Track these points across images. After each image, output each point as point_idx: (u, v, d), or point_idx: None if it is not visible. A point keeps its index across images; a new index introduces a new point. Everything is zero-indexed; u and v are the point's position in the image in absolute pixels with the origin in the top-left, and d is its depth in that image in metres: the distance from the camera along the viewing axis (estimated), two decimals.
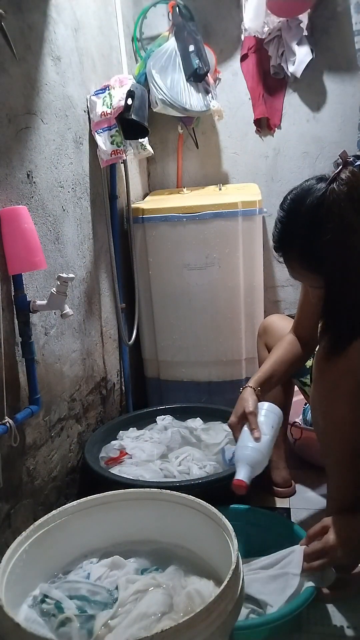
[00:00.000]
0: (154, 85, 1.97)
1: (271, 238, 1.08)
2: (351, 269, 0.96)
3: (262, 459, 1.18)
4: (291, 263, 1.06)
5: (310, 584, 1.01)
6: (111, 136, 1.61)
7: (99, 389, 1.72)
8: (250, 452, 1.17)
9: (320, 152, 2.22)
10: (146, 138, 1.81)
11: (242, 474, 1.13)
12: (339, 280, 0.98)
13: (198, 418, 1.75)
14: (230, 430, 1.55)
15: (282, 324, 1.57)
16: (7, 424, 1.09)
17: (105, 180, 1.74)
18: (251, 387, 1.29)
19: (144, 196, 2.24)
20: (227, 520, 0.94)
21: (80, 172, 1.57)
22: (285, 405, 1.58)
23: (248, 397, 1.26)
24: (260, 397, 1.29)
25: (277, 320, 1.60)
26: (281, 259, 1.08)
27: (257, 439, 1.18)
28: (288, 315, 1.70)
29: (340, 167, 0.97)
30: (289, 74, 2.09)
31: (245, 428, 1.22)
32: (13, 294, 1.18)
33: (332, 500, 1.18)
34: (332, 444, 1.12)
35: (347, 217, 0.93)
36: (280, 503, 1.52)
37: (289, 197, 1.04)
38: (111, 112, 1.58)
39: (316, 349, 1.15)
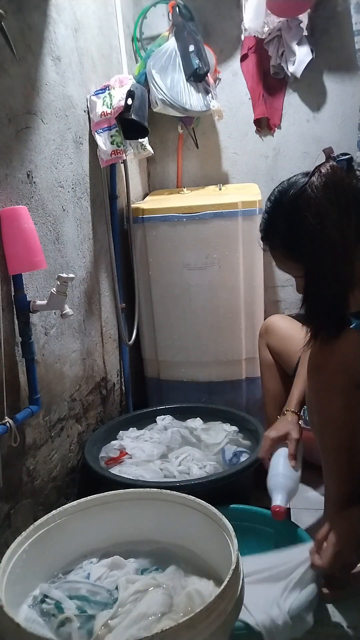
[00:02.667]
0: (154, 85, 1.97)
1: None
2: (327, 258, 0.97)
3: (296, 487, 1.19)
4: (275, 252, 1.08)
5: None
6: (111, 136, 1.61)
7: (99, 389, 1.72)
8: (288, 481, 1.17)
9: (320, 152, 2.20)
10: (146, 138, 1.81)
11: (280, 499, 1.13)
12: (316, 270, 0.99)
13: (198, 418, 1.75)
14: (230, 429, 1.56)
15: (284, 324, 1.57)
16: (7, 424, 1.09)
17: (105, 180, 1.74)
18: (295, 412, 1.31)
19: (144, 196, 2.24)
20: (227, 520, 0.94)
21: (80, 172, 1.57)
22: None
23: (294, 422, 1.28)
24: (302, 417, 1.32)
25: (278, 320, 1.60)
26: (267, 249, 1.10)
27: (294, 468, 1.20)
28: (289, 315, 1.70)
29: (322, 162, 1.00)
30: (289, 74, 2.09)
31: (282, 455, 1.23)
32: (13, 294, 1.18)
33: (330, 498, 1.19)
34: (327, 440, 1.13)
35: (322, 208, 0.95)
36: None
37: (276, 190, 1.07)
38: (111, 112, 1.58)
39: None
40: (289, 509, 1.13)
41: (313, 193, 0.96)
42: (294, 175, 1.05)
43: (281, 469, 1.19)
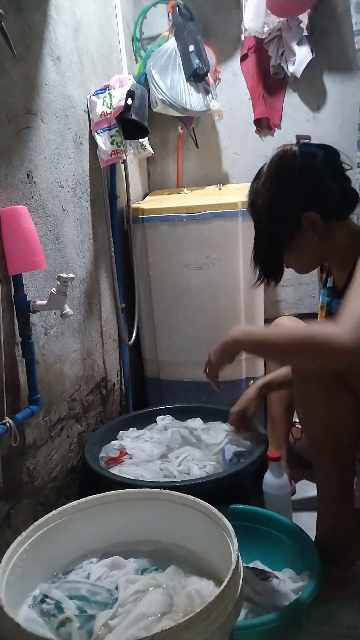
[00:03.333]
0: (154, 85, 1.97)
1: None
2: (263, 217, 1.18)
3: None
4: (250, 209, 1.26)
5: None
6: (111, 136, 1.61)
7: (99, 389, 1.72)
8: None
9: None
10: (146, 138, 1.81)
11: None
12: (256, 224, 1.21)
13: (198, 418, 1.75)
14: (230, 429, 1.58)
15: (291, 324, 1.60)
16: (7, 424, 1.09)
17: (105, 180, 1.74)
18: (258, 387, 1.48)
19: (144, 196, 2.24)
20: (227, 520, 0.94)
21: (80, 172, 1.57)
22: (290, 406, 1.59)
23: (253, 400, 1.47)
24: (259, 398, 1.46)
25: (286, 321, 1.64)
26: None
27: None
28: (292, 316, 1.72)
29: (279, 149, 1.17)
30: (289, 74, 2.09)
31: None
32: (13, 294, 1.18)
33: (320, 491, 1.20)
34: (313, 434, 1.14)
35: (264, 178, 1.18)
36: None
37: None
38: (111, 112, 1.58)
39: None
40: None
41: (264, 167, 1.20)
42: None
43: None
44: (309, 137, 1.20)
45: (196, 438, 1.66)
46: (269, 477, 1.33)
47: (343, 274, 1.18)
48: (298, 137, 1.21)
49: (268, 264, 1.21)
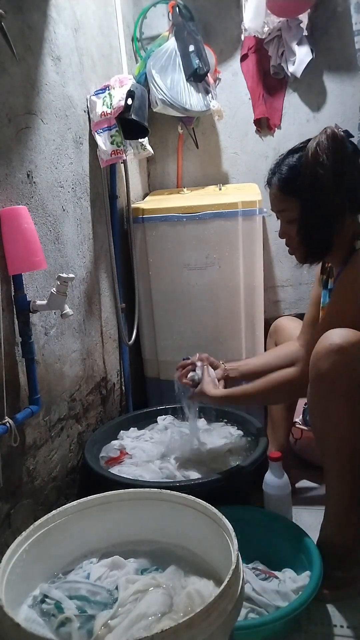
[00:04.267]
0: (154, 85, 1.97)
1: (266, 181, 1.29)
2: (318, 195, 1.15)
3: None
4: (275, 192, 1.25)
5: None
6: (111, 136, 1.61)
7: (99, 389, 1.72)
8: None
9: None
10: (146, 138, 1.81)
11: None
12: (310, 204, 1.17)
13: (202, 419, 1.75)
14: (235, 433, 1.63)
15: (292, 325, 1.61)
16: (7, 424, 1.09)
17: (105, 180, 1.74)
18: (224, 364, 1.54)
19: (144, 196, 2.24)
20: (227, 520, 0.94)
21: (80, 172, 1.57)
22: (291, 405, 1.59)
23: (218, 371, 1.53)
24: (228, 381, 1.51)
25: (287, 322, 1.65)
26: (269, 190, 1.28)
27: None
28: (292, 316, 1.72)
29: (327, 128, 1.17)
30: (289, 74, 2.09)
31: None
32: (13, 294, 1.18)
33: (330, 499, 1.19)
34: (330, 445, 1.12)
35: (319, 154, 1.14)
36: None
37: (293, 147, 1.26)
38: (111, 112, 1.58)
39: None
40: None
41: (314, 143, 1.15)
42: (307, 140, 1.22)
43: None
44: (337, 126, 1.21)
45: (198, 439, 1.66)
46: (269, 477, 1.33)
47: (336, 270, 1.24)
48: (333, 125, 1.20)
49: (319, 240, 1.20)
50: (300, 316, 1.71)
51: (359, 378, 1.05)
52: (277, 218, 1.30)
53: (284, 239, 1.29)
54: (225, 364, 1.55)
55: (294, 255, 1.29)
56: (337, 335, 1.08)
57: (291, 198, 1.20)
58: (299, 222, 1.20)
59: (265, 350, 1.71)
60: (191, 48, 1.97)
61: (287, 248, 1.30)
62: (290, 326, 1.60)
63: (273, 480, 1.32)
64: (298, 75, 2.07)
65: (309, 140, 1.19)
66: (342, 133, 1.16)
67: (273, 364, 1.45)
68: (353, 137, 1.21)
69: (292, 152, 1.23)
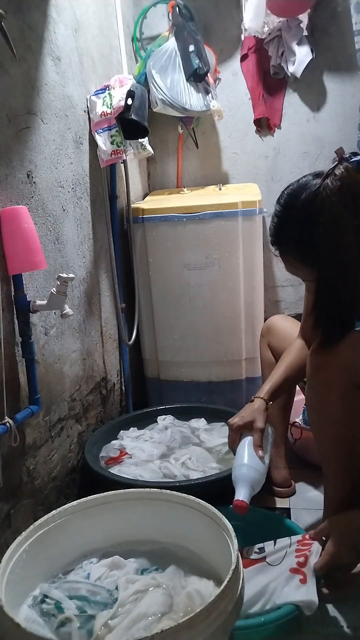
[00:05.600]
0: (154, 85, 1.97)
1: (268, 232, 1.11)
2: (342, 263, 0.98)
3: (262, 479, 1.15)
4: (287, 256, 1.09)
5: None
6: (111, 136, 1.61)
7: (99, 389, 1.72)
8: (252, 472, 1.13)
9: (320, 152, 2.22)
10: (146, 138, 1.81)
11: (243, 494, 1.09)
12: (330, 274, 1.00)
13: (202, 419, 1.75)
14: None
15: (286, 324, 1.57)
16: (7, 424, 1.09)
17: (105, 180, 1.74)
18: (263, 399, 1.26)
19: (144, 196, 2.24)
20: (227, 520, 0.94)
21: (80, 172, 1.57)
22: (286, 405, 1.59)
23: (260, 410, 1.23)
24: (270, 408, 1.27)
25: (280, 320, 1.60)
26: (277, 253, 1.10)
27: (261, 459, 1.16)
28: (290, 315, 1.70)
29: (335, 164, 0.99)
30: (289, 74, 2.09)
31: (246, 445, 1.18)
32: (13, 294, 1.18)
33: (329, 498, 1.19)
34: (327, 442, 1.13)
35: (337, 213, 0.96)
36: (280, 503, 1.52)
37: (285, 192, 1.07)
38: (111, 112, 1.58)
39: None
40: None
41: (328, 197, 0.95)
42: (303, 177, 1.04)
43: (246, 459, 1.15)
44: (343, 150, 1.02)
45: (197, 438, 1.66)
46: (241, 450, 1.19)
47: None
48: (339, 153, 1.01)
49: (341, 319, 1.02)
50: (298, 316, 1.70)
51: (355, 374, 1.05)
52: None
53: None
54: (254, 400, 1.29)
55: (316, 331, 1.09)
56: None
57: (310, 269, 1.03)
58: (317, 298, 1.02)
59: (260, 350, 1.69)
60: (191, 48, 1.97)
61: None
62: (284, 325, 1.57)
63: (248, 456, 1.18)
64: (298, 75, 2.07)
65: (317, 177, 0.99)
66: (350, 165, 0.97)
67: (292, 375, 1.34)
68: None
69: (303, 203, 1.00)
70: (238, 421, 1.22)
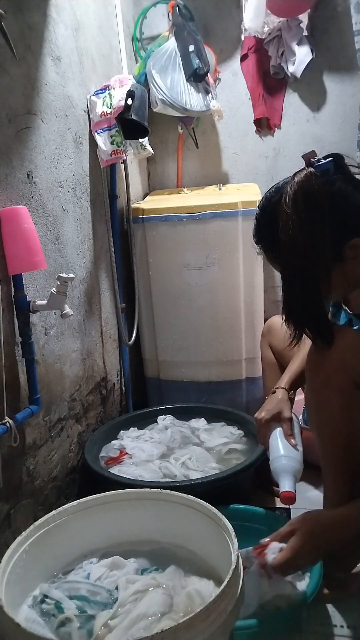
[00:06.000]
0: (154, 85, 1.97)
1: None
2: (297, 265, 1.00)
3: (301, 467, 1.16)
4: (265, 254, 1.12)
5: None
6: (111, 136, 1.61)
7: (99, 389, 1.72)
8: (291, 462, 1.14)
9: (320, 152, 2.19)
10: (146, 138, 1.81)
11: (289, 485, 1.10)
12: (288, 275, 1.03)
13: (202, 418, 1.75)
14: (236, 432, 1.54)
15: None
16: (7, 424, 1.09)
17: (105, 180, 1.74)
18: (285, 389, 1.28)
19: (144, 196, 2.24)
20: (227, 520, 0.94)
21: (80, 172, 1.57)
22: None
23: (284, 400, 1.25)
24: (292, 396, 1.29)
25: (281, 321, 1.60)
26: (259, 251, 1.14)
27: (295, 447, 1.17)
28: None
29: (300, 169, 1.01)
30: (289, 74, 2.09)
31: (278, 436, 1.19)
32: (13, 294, 1.18)
33: (328, 497, 1.19)
34: (325, 440, 1.13)
35: (291, 218, 0.97)
36: (280, 503, 1.51)
37: (264, 195, 1.10)
38: (111, 112, 1.58)
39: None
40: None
41: (285, 203, 0.98)
42: (284, 179, 1.06)
43: (282, 450, 1.16)
44: (314, 153, 1.03)
45: (197, 438, 1.66)
46: (273, 440, 1.21)
47: None
48: (305, 157, 1.02)
49: (312, 318, 1.03)
50: None
51: (352, 373, 1.05)
52: None
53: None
54: (277, 391, 1.31)
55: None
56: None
57: (276, 265, 1.09)
58: (282, 295, 1.06)
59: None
60: (191, 48, 1.97)
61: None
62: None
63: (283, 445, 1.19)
64: (298, 75, 2.07)
65: (293, 177, 1.01)
66: (313, 172, 0.98)
67: None
68: (343, 159, 1.04)
69: (266, 214, 1.06)
70: (265, 415, 1.24)
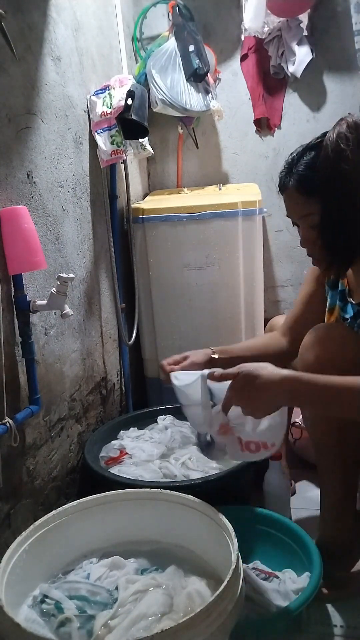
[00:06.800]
0: (154, 85, 1.97)
1: (277, 184, 1.17)
2: (344, 193, 1.02)
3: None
4: (291, 193, 1.11)
5: None
6: (111, 136, 1.61)
7: (99, 389, 1.72)
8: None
9: None
10: (146, 138, 1.81)
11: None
12: (333, 203, 1.04)
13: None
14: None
15: None
16: (7, 424, 1.09)
17: (105, 180, 1.74)
18: (213, 349, 1.29)
19: (144, 196, 2.24)
20: (227, 520, 0.94)
21: (80, 172, 1.57)
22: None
23: (201, 353, 1.27)
24: (212, 363, 1.26)
25: (282, 321, 1.61)
26: (282, 197, 1.14)
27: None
28: None
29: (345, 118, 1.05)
30: (289, 74, 2.09)
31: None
32: (13, 294, 1.18)
33: (325, 495, 1.19)
34: (320, 439, 1.13)
35: (341, 149, 1.01)
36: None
37: (302, 145, 1.14)
38: (111, 112, 1.58)
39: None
40: None
41: (334, 135, 1.03)
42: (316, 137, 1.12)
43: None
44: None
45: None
46: (269, 476, 1.33)
47: None
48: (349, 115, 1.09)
49: (345, 243, 1.06)
50: None
51: (344, 369, 1.05)
52: (294, 224, 1.16)
53: (306, 249, 1.15)
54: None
55: (318, 267, 1.16)
56: (321, 328, 1.10)
57: (311, 200, 1.07)
58: (321, 225, 1.06)
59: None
60: (191, 48, 1.97)
61: (311, 259, 1.15)
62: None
63: (274, 479, 1.32)
64: (298, 75, 2.07)
65: (325, 134, 1.08)
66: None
67: (262, 353, 1.34)
68: None
69: (307, 149, 1.11)
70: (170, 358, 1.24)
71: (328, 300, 1.28)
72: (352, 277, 1.20)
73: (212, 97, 2.05)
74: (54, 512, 1.03)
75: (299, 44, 2.05)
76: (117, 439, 1.65)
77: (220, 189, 2.10)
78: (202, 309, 1.94)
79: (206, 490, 1.28)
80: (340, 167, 1.01)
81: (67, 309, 1.21)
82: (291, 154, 1.14)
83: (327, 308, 1.30)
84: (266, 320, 1.94)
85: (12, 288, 1.18)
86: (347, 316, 1.21)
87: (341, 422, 1.08)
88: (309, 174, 1.06)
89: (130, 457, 1.53)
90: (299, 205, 1.10)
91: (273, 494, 1.33)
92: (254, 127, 2.24)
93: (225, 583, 0.80)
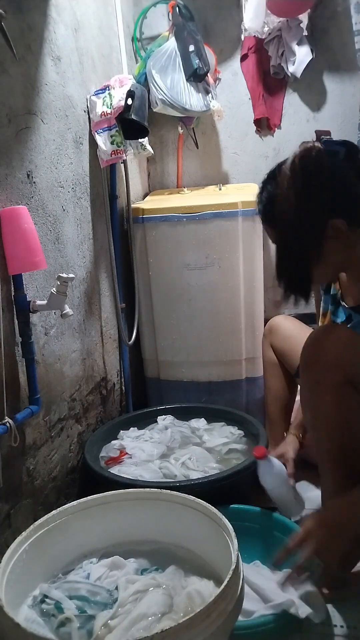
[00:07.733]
0: (154, 85, 1.97)
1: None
2: (287, 229, 1.06)
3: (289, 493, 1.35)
4: (264, 225, 1.17)
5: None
6: (111, 136, 1.61)
7: (99, 389, 1.72)
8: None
9: None
10: (146, 138, 1.81)
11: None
12: (280, 238, 1.09)
13: (202, 418, 1.75)
14: (236, 432, 1.61)
15: (288, 324, 1.59)
16: (7, 424, 1.09)
17: (105, 180, 1.74)
18: (294, 434, 1.48)
19: (144, 196, 2.24)
20: (227, 520, 0.94)
21: (80, 172, 1.58)
22: (287, 405, 1.59)
23: (290, 443, 1.46)
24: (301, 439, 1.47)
25: (283, 321, 1.62)
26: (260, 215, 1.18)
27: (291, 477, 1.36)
28: (292, 316, 1.71)
29: (309, 140, 1.07)
30: (289, 74, 2.09)
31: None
32: (13, 294, 1.18)
33: (326, 494, 1.19)
34: (321, 438, 1.13)
35: (285, 183, 1.04)
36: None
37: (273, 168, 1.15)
38: (111, 112, 1.58)
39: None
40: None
41: (285, 169, 1.04)
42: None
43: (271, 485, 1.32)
44: (329, 132, 1.09)
45: (198, 438, 1.66)
46: (262, 473, 1.32)
47: (358, 287, 1.15)
48: (318, 133, 1.09)
49: (295, 280, 1.09)
50: (299, 316, 1.71)
51: (345, 369, 1.06)
52: None
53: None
54: (287, 435, 1.52)
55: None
56: (323, 329, 1.11)
57: (270, 230, 1.13)
58: (276, 254, 1.11)
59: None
60: (191, 48, 1.97)
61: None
62: (286, 326, 1.59)
63: (266, 474, 1.31)
64: (298, 75, 2.07)
65: (284, 162, 1.08)
66: (318, 146, 1.04)
67: None
68: (358, 152, 1.09)
69: (269, 179, 1.13)
70: (273, 453, 1.41)
71: (322, 304, 1.29)
72: (344, 280, 1.20)
73: (212, 97, 2.05)
74: (54, 512, 1.03)
75: (299, 44, 2.05)
76: (117, 439, 1.65)
77: (220, 189, 2.10)
78: (202, 309, 1.94)
79: (206, 490, 1.28)
80: (287, 202, 1.03)
81: (67, 309, 1.21)
82: (262, 181, 1.16)
83: (321, 312, 1.31)
84: (266, 320, 1.94)
85: (12, 288, 1.18)
86: (339, 320, 1.22)
87: (344, 423, 1.08)
88: (268, 207, 1.12)
89: (130, 457, 1.53)
90: (269, 232, 1.16)
91: (273, 489, 1.32)
92: (254, 127, 2.24)
93: (225, 583, 0.80)
